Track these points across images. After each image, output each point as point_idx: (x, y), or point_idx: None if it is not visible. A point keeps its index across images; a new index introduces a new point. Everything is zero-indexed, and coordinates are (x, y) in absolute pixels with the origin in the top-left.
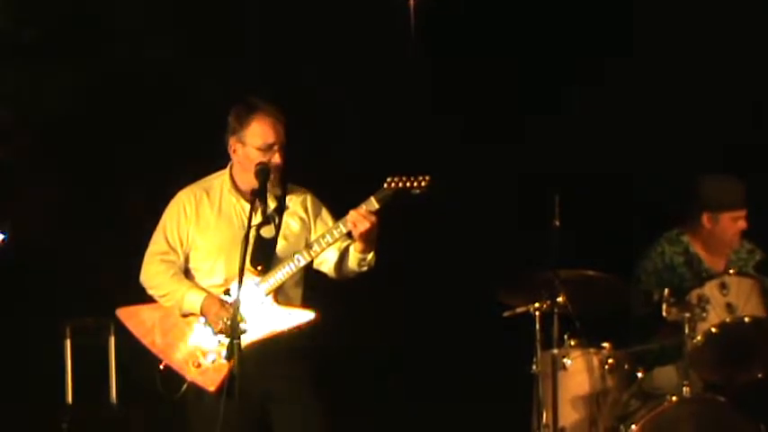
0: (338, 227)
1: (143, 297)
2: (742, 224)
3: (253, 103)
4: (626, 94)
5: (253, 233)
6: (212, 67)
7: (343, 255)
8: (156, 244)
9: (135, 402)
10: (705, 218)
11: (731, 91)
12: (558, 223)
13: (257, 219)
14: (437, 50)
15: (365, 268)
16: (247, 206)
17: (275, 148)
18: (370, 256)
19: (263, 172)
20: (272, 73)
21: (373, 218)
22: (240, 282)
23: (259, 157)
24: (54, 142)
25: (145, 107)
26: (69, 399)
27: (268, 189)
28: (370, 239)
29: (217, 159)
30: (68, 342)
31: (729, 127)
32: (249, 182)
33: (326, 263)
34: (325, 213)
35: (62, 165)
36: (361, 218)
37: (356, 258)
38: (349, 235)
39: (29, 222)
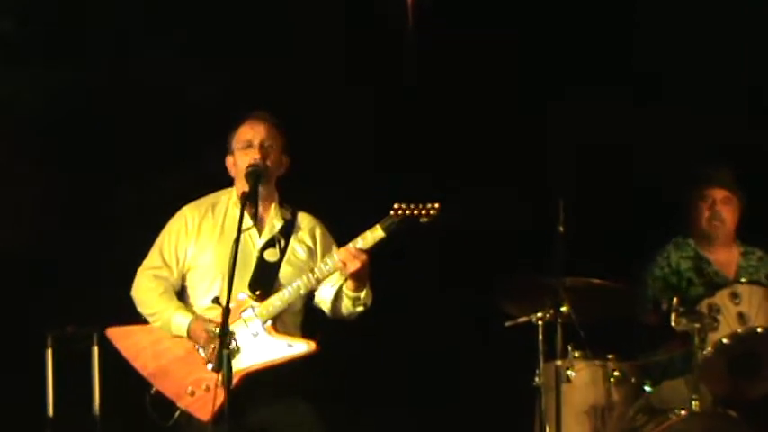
0: (332, 258)
1: (129, 306)
2: (721, 206)
3: (245, 114)
4: (630, 97)
5: (256, 255)
6: (206, 70)
7: (338, 295)
8: (151, 258)
9: (118, 415)
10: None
11: (733, 93)
12: (562, 229)
13: (264, 237)
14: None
15: (360, 308)
16: (251, 225)
17: (255, 144)
18: (364, 293)
19: (254, 174)
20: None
21: (363, 256)
22: (230, 288)
23: (240, 157)
24: (37, 146)
25: (137, 111)
26: (50, 411)
27: (274, 208)
28: (361, 277)
29: (209, 164)
30: (50, 352)
31: (731, 128)
32: (244, 188)
33: (324, 302)
34: (333, 248)
35: (45, 170)
36: (350, 257)
37: (350, 298)
38: None
39: (9, 229)
